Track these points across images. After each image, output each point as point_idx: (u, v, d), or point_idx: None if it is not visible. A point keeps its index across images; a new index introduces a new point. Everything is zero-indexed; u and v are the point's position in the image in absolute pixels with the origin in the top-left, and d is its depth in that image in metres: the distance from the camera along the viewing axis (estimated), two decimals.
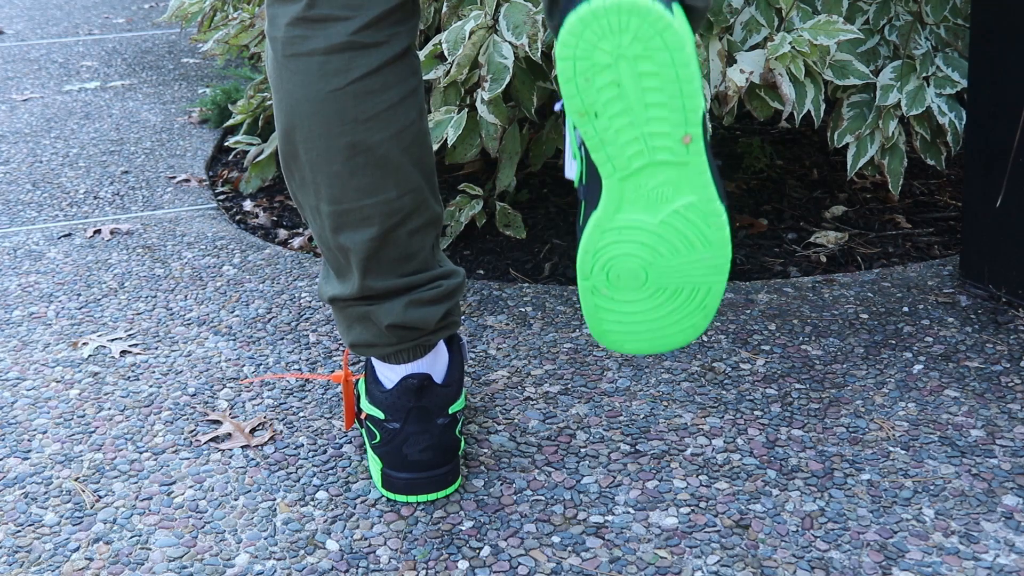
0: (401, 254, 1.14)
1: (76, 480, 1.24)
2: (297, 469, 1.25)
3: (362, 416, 1.21)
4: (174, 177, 2.34)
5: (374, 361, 1.21)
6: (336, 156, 1.09)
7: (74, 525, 1.16)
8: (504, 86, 1.62)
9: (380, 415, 1.17)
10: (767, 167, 2.24)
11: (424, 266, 1.16)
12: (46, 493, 1.22)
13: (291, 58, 1.08)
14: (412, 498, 1.17)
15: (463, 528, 1.14)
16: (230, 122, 2.37)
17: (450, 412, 1.18)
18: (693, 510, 1.16)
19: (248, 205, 2.20)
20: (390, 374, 1.19)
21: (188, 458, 1.27)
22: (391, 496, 1.18)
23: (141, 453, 1.29)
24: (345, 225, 1.11)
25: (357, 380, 1.27)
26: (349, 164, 1.09)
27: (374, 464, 1.20)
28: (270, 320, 1.63)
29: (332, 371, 1.47)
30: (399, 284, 1.14)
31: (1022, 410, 1.33)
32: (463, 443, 1.24)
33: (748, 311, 1.61)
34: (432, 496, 1.17)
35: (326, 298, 1.19)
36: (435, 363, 1.20)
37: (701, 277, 0.98)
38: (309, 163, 1.10)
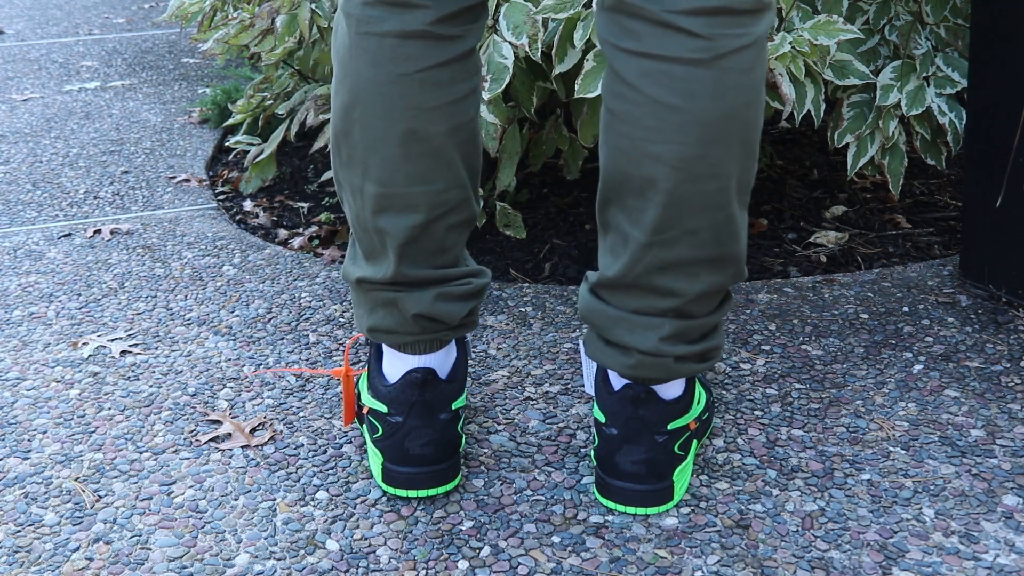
0: (437, 246, 1.14)
1: (76, 480, 1.24)
2: (297, 469, 1.25)
3: (364, 411, 1.21)
4: (174, 177, 2.34)
5: (384, 350, 1.21)
6: (393, 139, 1.09)
7: (74, 525, 1.16)
8: (504, 86, 1.62)
9: (383, 408, 1.17)
10: (767, 167, 2.24)
11: (455, 262, 1.17)
12: (46, 493, 1.21)
13: (364, 36, 1.08)
14: (412, 493, 1.17)
15: (463, 528, 1.14)
16: (230, 122, 2.37)
17: (453, 408, 1.18)
18: (693, 510, 1.16)
19: (248, 205, 2.20)
20: (395, 369, 1.19)
21: (188, 458, 1.27)
22: (391, 491, 1.17)
23: (141, 453, 1.29)
24: (389, 208, 1.12)
25: (358, 376, 1.27)
26: (404, 149, 1.09)
27: (375, 459, 1.20)
28: (270, 320, 1.63)
29: (333, 369, 1.47)
30: (432, 275, 1.15)
31: (1022, 410, 1.33)
32: (463, 440, 1.24)
33: (748, 311, 1.61)
34: (432, 491, 1.17)
35: (353, 279, 1.19)
36: (442, 359, 1.20)
37: None
38: (364, 142, 1.10)
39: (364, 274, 1.17)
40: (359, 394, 1.25)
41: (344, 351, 1.30)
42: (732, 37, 1.01)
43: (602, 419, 1.16)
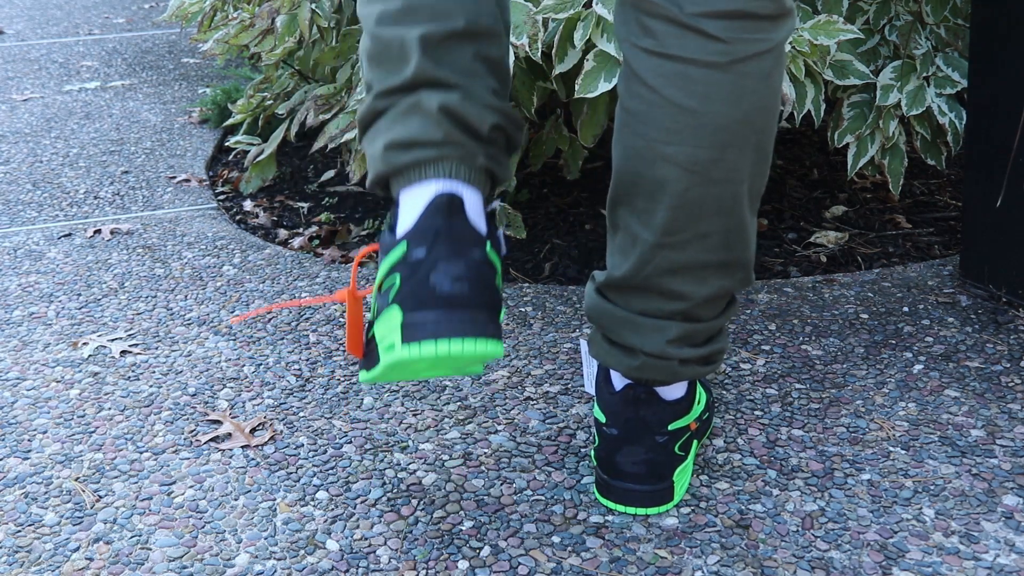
0: (464, 67, 1.01)
1: (76, 480, 1.24)
2: (297, 469, 1.25)
3: (378, 288, 1.01)
4: (174, 177, 2.34)
5: (400, 201, 1.01)
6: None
7: (74, 525, 1.16)
8: None
9: (402, 249, 0.96)
10: None
11: (485, 90, 1.04)
12: (46, 493, 1.21)
13: None
14: (442, 345, 0.92)
15: (463, 528, 1.14)
16: (230, 122, 2.37)
17: (488, 253, 0.98)
18: (693, 510, 1.16)
19: (248, 205, 2.20)
20: (413, 211, 0.99)
21: (188, 458, 1.27)
22: (414, 349, 0.92)
23: (141, 453, 1.29)
24: (416, 17, 1.00)
25: (367, 297, 1.09)
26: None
27: (390, 325, 0.96)
28: (270, 320, 1.63)
29: (333, 371, 1.47)
30: (457, 79, 1.01)
31: (1022, 410, 1.33)
32: (504, 308, 1.05)
33: (748, 311, 1.61)
34: (468, 346, 0.93)
35: (368, 104, 1.03)
36: (472, 201, 1.01)
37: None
38: None
39: (383, 85, 1.02)
40: (369, 323, 1.05)
41: (352, 268, 1.09)
42: (751, 42, 1.00)
43: (603, 419, 1.16)
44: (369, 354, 1.04)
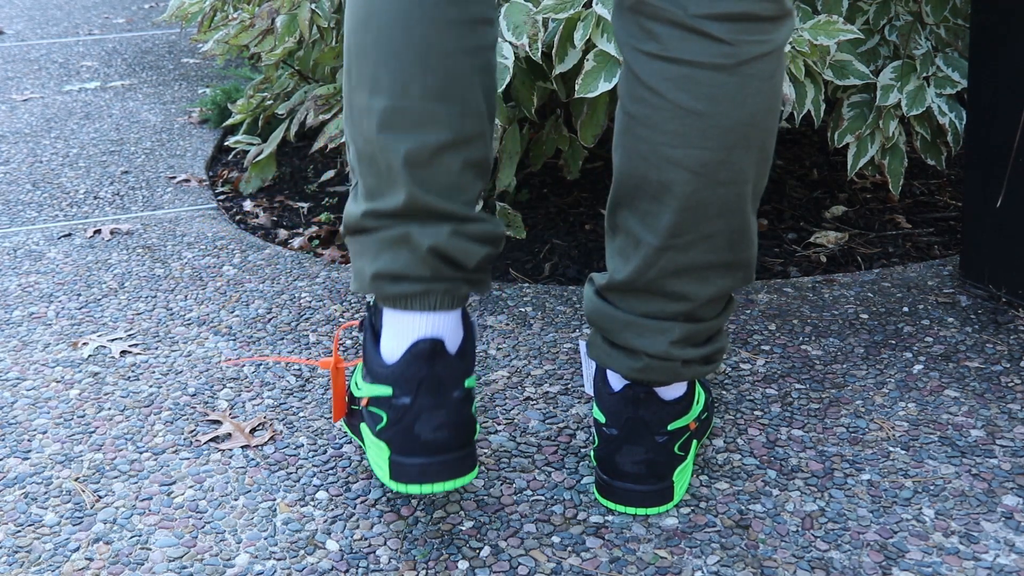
0: (453, 182, 1.05)
1: (76, 480, 1.24)
2: (297, 469, 1.25)
3: (362, 404, 1.10)
4: (174, 177, 2.34)
5: (384, 324, 1.08)
6: (411, 49, 1.01)
7: (74, 525, 1.16)
8: (504, 86, 1.62)
9: (386, 391, 1.04)
10: None
11: (471, 204, 1.07)
12: (46, 493, 1.21)
13: None
14: (426, 488, 1.04)
15: (463, 528, 1.14)
16: (230, 122, 2.37)
17: (465, 386, 1.06)
18: (693, 510, 1.16)
19: (248, 205, 2.20)
20: (397, 344, 1.06)
21: (188, 458, 1.27)
22: (401, 488, 1.04)
23: (141, 453, 1.29)
24: (397, 124, 1.02)
25: (350, 369, 1.20)
26: (423, 63, 1.01)
27: (379, 454, 1.07)
28: (270, 320, 1.63)
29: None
30: (447, 207, 1.04)
31: (1022, 410, 1.33)
32: (478, 427, 1.12)
33: (748, 311, 1.61)
34: (448, 486, 1.04)
35: (357, 216, 1.06)
36: (451, 331, 1.09)
37: None
38: (379, 55, 1.02)
39: (371, 206, 1.05)
40: (351, 390, 1.16)
41: (333, 341, 1.22)
42: (755, 43, 1.01)
43: (602, 419, 1.16)
44: (352, 415, 1.17)
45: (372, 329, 1.11)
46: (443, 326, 1.07)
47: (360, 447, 1.29)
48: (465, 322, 1.12)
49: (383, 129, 1.03)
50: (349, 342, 1.55)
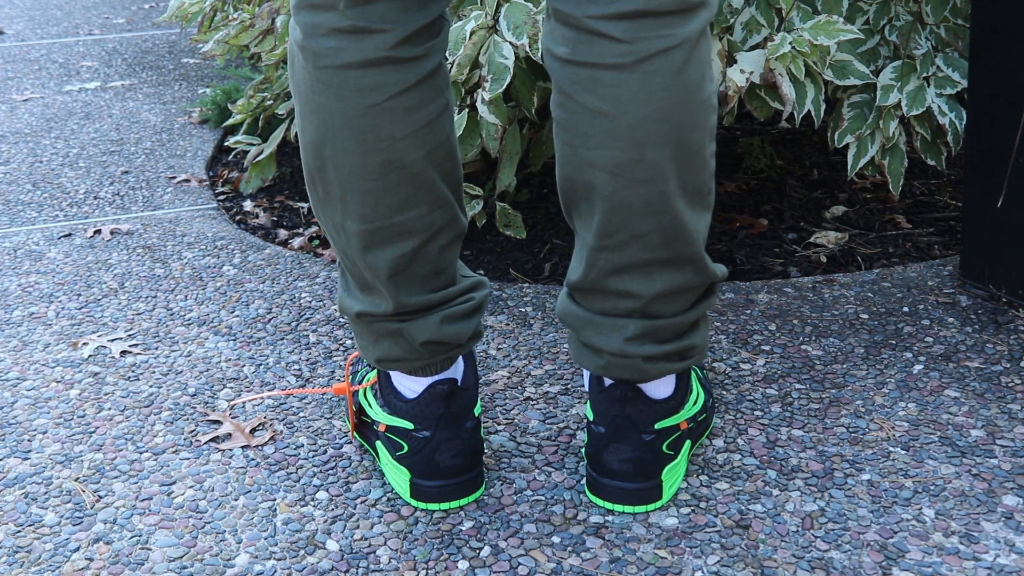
0: (432, 270, 1.12)
1: (76, 480, 1.24)
2: (297, 469, 1.25)
3: (379, 428, 1.19)
4: (174, 177, 2.34)
5: (392, 373, 1.19)
6: (370, 174, 1.05)
7: (74, 525, 1.16)
8: (505, 86, 1.62)
9: (408, 425, 1.15)
10: (767, 167, 2.24)
11: (452, 280, 1.15)
12: (46, 493, 1.21)
13: (324, 70, 1.03)
14: (444, 505, 1.16)
15: (463, 528, 1.14)
16: (230, 122, 2.37)
17: (475, 415, 1.18)
18: (693, 510, 1.16)
19: (248, 205, 2.20)
20: (413, 384, 1.17)
21: (188, 458, 1.27)
22: (422, 506, 1.16)
23: (141, 453, 1.29)
24: (375, 243, 1.09)
25: (356, 392, 1.26)
26: (383, 181, 1.06)
27: (399, 475, 1.17)
28: (270, 320, 1.63)
29: (333, 371, 1.47)
30: (432, 299, 1.12)
31: (1022, 410, 1.33)
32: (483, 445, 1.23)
33: (748, 311, 1.61)
34: (463, 501, 1.17)
35: (352, 313, 1.15)
36: (459, 368, 1.19)
37: None
38: (339, 179, 1.07)
39: (364, 308, 1.14)
40: (362, 409, 1.24)
41: (346, 366, 1.28)
42: (656, 39, 0.99)
43: (591, 417, 1.16)
44: (364, 427, 1.25)
45: (381, 384, 1.21)
46: (454, 368, 1.18)
47: (371, 455, 1.29)
48: (468, 357, 1.20)
49: (364, 250, 1.09)
50: (349, 341, 1.55)
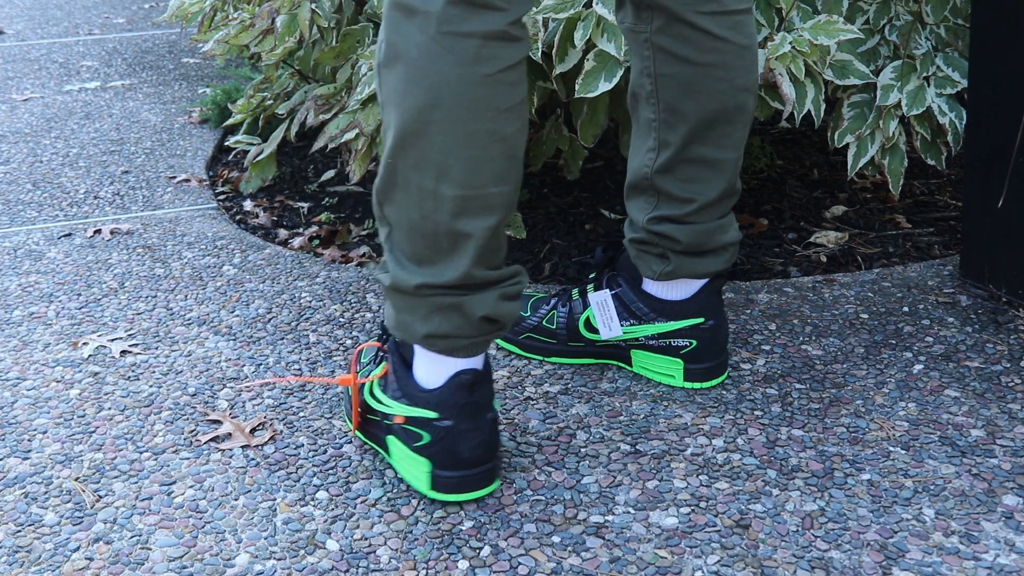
0: (498, 246, 1.16)
1: (76, 480, 1.24)
2: (297, 469, 1.25)
3: (396, 421, 1.19)
4: (174, 177, 2.34)
5: (416, 357, 1.19)
6: (476, 142, 1.09)
7: (74, 525, 1.16)
8: None
9: (431, 415, 1.16)
10: (767, 167, 2.24)
11: (504, 260, 1.20)
12: (46, 493, 1.22)
13: (446, 36, 1.07)
14: (463, 496, 1.17)
15: (463, 528, 1.14)
16: (230, 122, 2.37)
17: (494, 407, 1.20)
18: (693, 510, 1.16)
19: (248, 205, 2.20)
20: (434, 373, 1.17)
21: (188, 458, 1.27)
22: (441, 497, 1.17)
23: (141, 453, 1.29)
24: (468, 211, 1.11)
25: (362, 387, 1.26)
26: (487, 151, 1.10)
27: (417, 467, 1.18)
28: (270, 320, 1.63)
29: (333, 372, 1.47)
30: (492, 276, 1.16)
31: (1022, 410, 1.33)
32: None
33: (748, 311, 1.61)
34: (482, 493, 1.17)
35: (411, 286, 1.14)
36: (482, 358, 1.21)
37: None
38: (444, 144, 1.09)
39: (424, 279, 1.14)
40: (367, 406, 1.24)
41: (352, 360, 1.27)
42: None
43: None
44: (369, 425, 1.26)
45: (400, 356, 1.21)
46: (479, 358, 1.19)
47: (374, 453, 1.29)
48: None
49: (456, 216, 1.11)
50: (349, 341, 1.55)
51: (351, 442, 1.30)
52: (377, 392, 1.23)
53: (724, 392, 1.39)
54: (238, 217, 2.15)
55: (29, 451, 1.30)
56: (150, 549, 1.12)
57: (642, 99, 1.34)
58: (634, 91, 1.35)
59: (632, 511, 1.16)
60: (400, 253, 1.16)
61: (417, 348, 1.19)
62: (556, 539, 1.12)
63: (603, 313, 1.40)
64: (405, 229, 1.14)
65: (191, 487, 1.22)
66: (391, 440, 1.22)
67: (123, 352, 1.54)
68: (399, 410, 1.19)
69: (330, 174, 2.34)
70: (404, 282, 1.15)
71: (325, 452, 1.28)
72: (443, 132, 1.09)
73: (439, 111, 1.08)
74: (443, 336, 1.15)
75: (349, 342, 1.55)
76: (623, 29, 1.35)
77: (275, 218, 2.13)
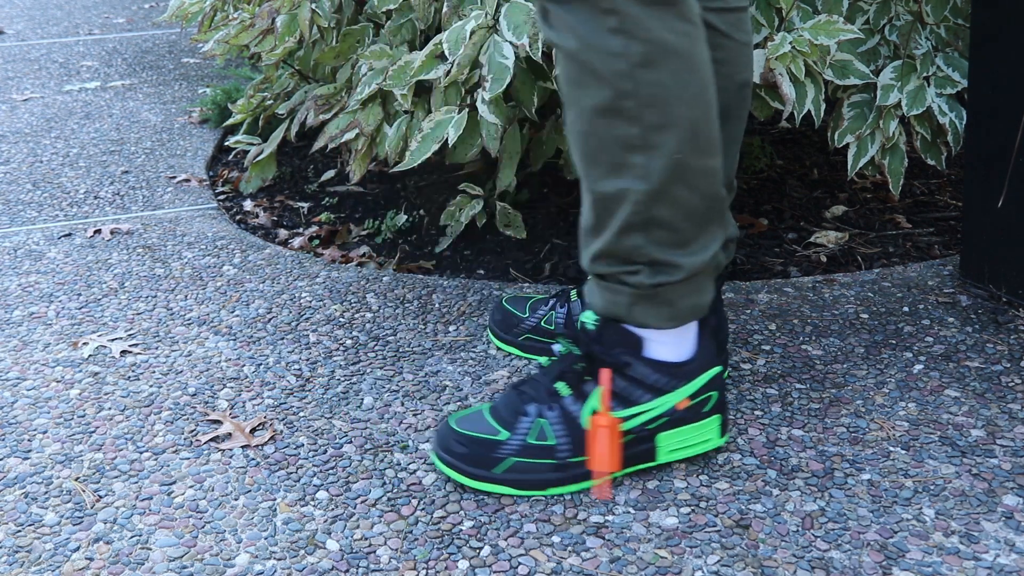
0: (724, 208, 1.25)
1: (76, 480, 1.24)
2: (297, 469, 1.25)
3: (679, 407, 1.19)
4: (174, 177, 2.34)
5: (656, 343, 1.18)
6: (719, 115, 1.22)
7: (74, 525, 1.16)
8: (505, 86, 1.62)
9: (715, 370, 1.20)
10: (767, 167, 2.24)
11: None
12: (46, 493, 1.22)
13: (698, 18, 1.11)
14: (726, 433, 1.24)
15: (463, 528, 1.14)
16: (230, 122, 2.37)
17: None
18: (693, 510, 1.16)
19: (248, 205, 2.20)
20: (683, 342, 1.19)
21: (188, 458, 1.27)
22: (725, 438, 1.24)
23: (141, 453, 1.29)
24: (723, 180, 1.21)
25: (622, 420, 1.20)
26: (719, 122, 1.18)
27: (708, 428, 1.21)
28: (270, 320, 1.63)
29: (333, 371, 1.47)
30: (725, 229, 1.24)
31: (1022, 410, 1.33)
32: None
33: (748, 311, 1.61)
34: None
35: (696, 268, 1.16)
36: None
37: None
38: (713, 120, 1.13)
39: (703, 258, 1.16)
40: (628, 429, 1.18)
41: (604, 395, 1.17)
42: None
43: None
44: (626, 450, 1.20)
45: (621, 361, 1.17)
46: None
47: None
48: None
49: (722, 186, 1.17)
50: (349, 341, 1.55)
51: (351, 442, 1.30)
52: (627, 411, 1.18)
53: None
54: (238, 217, 2.15)
55: (29, 451, 1.30)
56: (150, 549, 1.12)
57: None
58: None
59: (632, 511, 1.16)
60: (663, 251, 1.15)
61: (652, 336, 1.18)
62: (556, 539, 1.12)
63: None
64: (681, 220, 1.14)
65: (191, 487, 1.22)
66: (662, 437, 1.20)
67: (123, 352, 1.54)
68: (681, 395, 1.19)
69: (330, 174, 2.34)
70: (692, 267, 1.16)
71: (325, 452, 1.28)
72: (713, 109, 1.13)
73: (709, 91, 1.12)
74: (707, 303, 1.20)
75: (349, 342, 1.55)
76: None
77: (275, 218, 2.13)
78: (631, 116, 1.09)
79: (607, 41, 1.08)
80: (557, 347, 1.23)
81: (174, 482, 1.23)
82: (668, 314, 1.17)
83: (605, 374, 1.16)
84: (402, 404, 1.37)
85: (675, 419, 1.20)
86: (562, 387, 1.19)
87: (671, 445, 1.20)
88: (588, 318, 1.19)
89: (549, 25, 1.12)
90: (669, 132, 1.10)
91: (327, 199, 2.21)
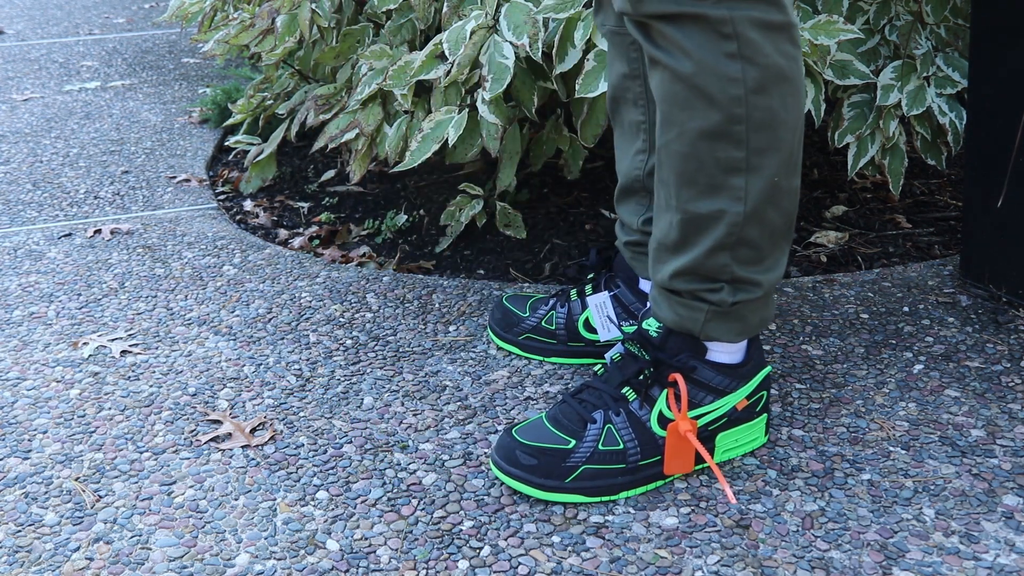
0: None
1: (76, 480, 1.24)
2: (297, 469, 1.25)
3: (739, 407, 1.21)
4: (174, 177, 2.34)
5: (719, 347, 1.19)
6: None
7: (74, 525, 1.16)
8: (505, 86, 1.62)
9: (766, 369, 1.23)
10: None
11: None
12: (46, 493, 1.22)
13: (800, 49, 1.11)
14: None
15: (463, 528, 1.14)
16: (230, 122, 2.37)
17: None
18: (693, 510, 1.16)
19: (248, 205, 2.20)
20: (734, 348, 1.20)
21: (188, 458, 1.27)
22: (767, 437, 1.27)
23: (141, 453, 1.29)
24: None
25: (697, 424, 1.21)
26: None
27: (757, 427, 1.24)
28: (270, 320, 1.63)
29: (333, 371, 1.47)
30: None
31: (1022, 410, 1.33)
32: None
33: None
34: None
35: (774, 282, 1.18)
36: None
37: None
38: (801, 143, 1.15)
39: (771, 275, 1.17)
40: (700, 429, 1.20)
41: (682, 397, 1.18)
42: None
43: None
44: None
45: (686, 366, 1.18)
46: None
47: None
48: None
49: (796, 203, 1.18)
50: (349, 341, 1.55)
51: (351, 442, 1.30)
52: (692, 412, 1.19)
53: None
54: (238, 217, 2.15)
55: (29, 451, 1.30)
56: (150, 549, 1.12)
57: (628, 102, 1.32)
58: (616, 95, 1.34)
59: (632, 511, 1.16)
60: (745, 269, 1.15)
61: (716, 345, 1.20)
62: (556, 539, 1.12)
63: (601, 315, 1.40)
64: (766, 239, 1.14)
65: (191, 487, 1.22)
66: (721, 437, 1.22)
67: (123, 352, 1.54)
68: (738, 396, 1.21)
69: (330, 174, 2.34)
70: (753, 292, 1.16)
71: (325, 452, 1.28)
72: (802, 130, 1.13)
73: (803, 113, 1.13)
74: (772, 315, 1.22)
75: (349, 342, 1.55)
76: (604, 32, 1.33)
77: (275, 218, 2.13)
78: (738, 140, 1.08)
79: (726, 66, 1.05)
80: (610, 354, 1.22)
81: (174, 482, 1.23)
82: (739, 329, 1.18)
83: (679, 379, 1.17)
84: (402, 404, 1.38)
85: (733, 419, 1.22)
86: (628, 392, 1.19)
87: (726, 445, 1.22)
88: (651, 326, 1.20)
89: (654, 44, 1.09)
90: (771, 156, 1.10)
91: (327, 199, 2.21)
